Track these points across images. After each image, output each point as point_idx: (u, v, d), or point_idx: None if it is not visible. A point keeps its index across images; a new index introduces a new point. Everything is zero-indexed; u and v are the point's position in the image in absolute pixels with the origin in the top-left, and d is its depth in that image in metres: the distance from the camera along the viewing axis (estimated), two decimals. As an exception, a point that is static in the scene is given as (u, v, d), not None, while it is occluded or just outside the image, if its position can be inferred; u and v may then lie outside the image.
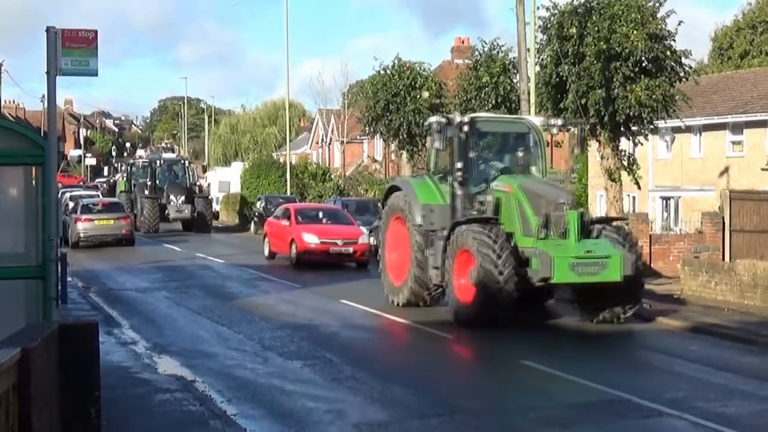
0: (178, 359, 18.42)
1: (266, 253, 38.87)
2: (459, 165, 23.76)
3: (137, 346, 19.91)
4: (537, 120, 26.87)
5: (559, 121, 26.65)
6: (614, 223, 24.04)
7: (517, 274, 20.95)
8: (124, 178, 70.85)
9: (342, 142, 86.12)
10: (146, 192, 57.70)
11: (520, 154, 25.26)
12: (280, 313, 24.52)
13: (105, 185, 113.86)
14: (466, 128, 24.08)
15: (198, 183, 62.84)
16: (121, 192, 66.37)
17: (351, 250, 35.53)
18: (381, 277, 25.84)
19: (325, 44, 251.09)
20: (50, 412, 8.74)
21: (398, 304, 24.56)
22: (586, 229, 22.28)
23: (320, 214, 39.50)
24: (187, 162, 64.32)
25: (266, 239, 39.45)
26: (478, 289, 21.01)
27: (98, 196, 62.20)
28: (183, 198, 56.82)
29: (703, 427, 13.45)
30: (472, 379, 17.07)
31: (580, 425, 13.55)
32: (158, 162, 61.14)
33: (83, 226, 43.77)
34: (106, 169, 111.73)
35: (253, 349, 19.40)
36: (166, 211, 56.58)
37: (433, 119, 24.77)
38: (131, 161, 77.59)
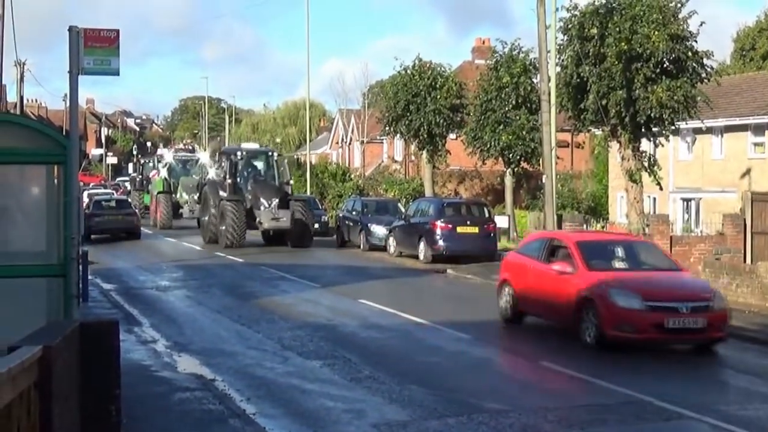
0: (198, 358, 18.46)
1: (506, 311, 22.78)
2: None
3: (157, 344, 19.95)
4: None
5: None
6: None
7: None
8: (161, 176, 62.40)
9: (362, 142, 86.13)
10: (222, 192, 44.75)
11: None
12: (300, 312, 24.54)
13: (127, 184, 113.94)
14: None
15: (290, 181, 48.41)
16: (159, 193, 59.23)
17: (700, 322, 18.98)
18: None
19: (348, 44, 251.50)
20: (71, 409, 8.77)
21: None
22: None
23: (618, 251, 21.92)
24: (275, 155, 49.29)
25: (506, 288, 22.80)
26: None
27: (113, 194, 66.15)
28: (277, 201, 43.94)
29: (724, 430, 13.40)
30: (490, 380, 17.05)
31: (599, 427, 13.51)
32: (238, 154, 46.39)
33: (96, 221, 48.30)
34: (130, 166, 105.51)
35: (273, 349, 19.42)
36: (258, 219, 43.96)
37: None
38: (171, 154, 71.43)
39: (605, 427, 13.43)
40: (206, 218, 45.72)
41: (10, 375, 6.43)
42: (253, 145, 55.70)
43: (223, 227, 42.88)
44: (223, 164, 46.44)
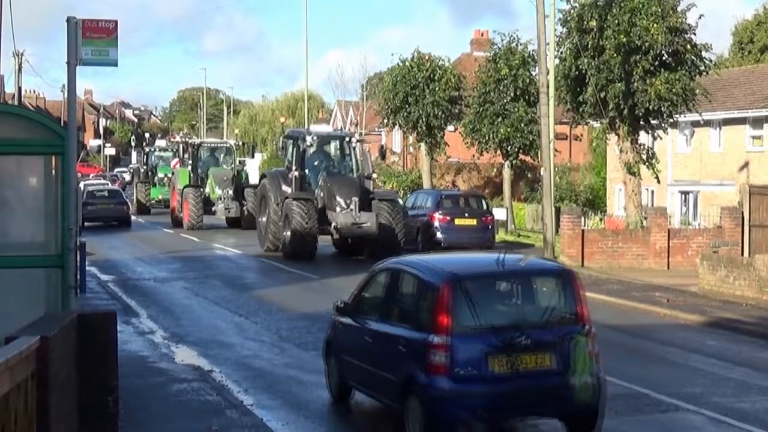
0: (196, 349, 18.49)
1: None
2: None
3: (155, 335, 19.98)
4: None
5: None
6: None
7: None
8: (187, 166, 53.32)
9: (360, 134, 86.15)
10: (286, 187, 35.58)
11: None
12: (297, 304, 24.54)
13: (125, 176, 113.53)
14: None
15: (372, 175, 37.55)
16: (186, 187, 49.21)
17: None
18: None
19: (349, 35, 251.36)
20: (68, 400, 8.78)
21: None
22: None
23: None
24: (353, 140, 37.81)
25: None
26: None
27: (107, 184, 68.05)
28: (357, 200, 33.97)
29: (720, 422, 13.44)
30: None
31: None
32: (307, 140, 35.95)
33: (89, 209, 49.42)
34: (133, 155, 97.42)
35: (270, 340, 19.44)
36: (333, 224, 34.16)
37: None
38: (194, 142, 58.14)
39: (604, 419, 13.44)
40: (264, 220, 37.23)
41: (7, 365, 6.44)
42: (326, 128, 45.18)
43: (288, 233, 34.09)
44: (287, 152, 37.32)
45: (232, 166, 53.16)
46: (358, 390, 14.29)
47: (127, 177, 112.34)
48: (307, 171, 36.04)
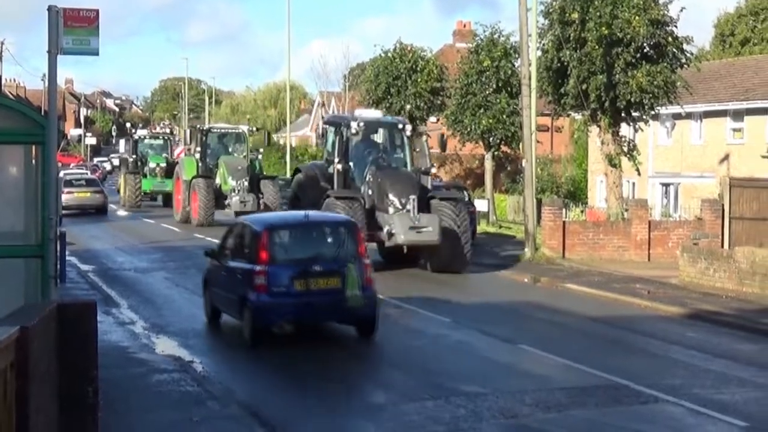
0: (176, 339, 18.45)
1: None
2: None
3: (135, 326, 19.94)
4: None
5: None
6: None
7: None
8: (193, 154, 48.78)
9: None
10: (324, 183, 29.95)
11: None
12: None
13: (107, 165, 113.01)
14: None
15: (431, 170, 31.91)
16: (195, 178, 44.74)
17: None
18: None
19: (333, 25, 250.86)
20: (48, 390, 8.76)
21: None
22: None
23: None
24: (407, 129, 30.91)
25: None
26: None
27: (87, 173, 66.15)
28: (415, 200, 27.72)
29: (699, 414, 13.47)
30: (468, 363, 17.08)
31: (576, 409, 13.56)
32: (352, 127, 29.73)
33: (65, 198, 48.60)
34: (121, 143, 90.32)
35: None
36: (387, 228, 27.78)
37: None
38: (202, 127, 52.66)
39: (583, 410, 13.49)
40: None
41: (-14, 355, 6.41)
42: (374, 113, 35.54)
43: None
44: (328, 141, 31.62)
45: (244, 154, 47.83)
46: (222, 311, 19.56)
47: (108, 167, 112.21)
48: (351, 164, 29.97)
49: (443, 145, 33.67)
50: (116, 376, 14.50)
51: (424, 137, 32.37)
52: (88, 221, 47.53)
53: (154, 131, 70.11)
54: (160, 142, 63.88)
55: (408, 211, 27.55)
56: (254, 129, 55.56)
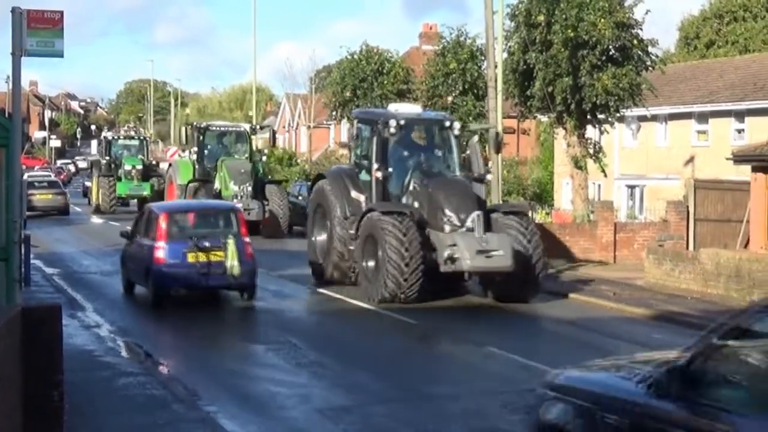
0: (142, 342, 18.36)
1: None
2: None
3: (101, 329, 19.83)
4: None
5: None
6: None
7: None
8: (190, 155, 44.95)
9: (309, 127, 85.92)
10: (358, 194, 25.37)
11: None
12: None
13: (71, 167, 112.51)
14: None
15: (486, 177, 26.25)
16: (191, 182, 41.19)
17: None
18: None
19: (300, 27, 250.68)
20: (12, 394, 8.70)
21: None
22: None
23: None
24: (455, 127, 25.80)
25: None
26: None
27: (50, 176, 66.12)
28: (478, 216, 22.90)
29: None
30: (436, 365, 17.09)
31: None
32: (392, 125, 24.65)
33: (28, 199, 48.40)
34: (93, 144, 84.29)
35: (213, 335, 19.34)
36: (447, 253, 22.46)
37: None
38: (199, 125, 45.82)
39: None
40: (321, 239, 26.45)
41: (-50, 359, 6.36)
42: (412, 108, 28.79)
43: (372, 263, 23.06)
44: (361, 142, 26.36)
45: (246, 155, 43.20)
46: (134, 282, 23.75)
47: (73, 169, 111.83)
48: (390, 169, 24.96)
49: (498, 147, 29.62)
50: (82, 380, 14.41)
51: (476, 137, 27.25)
52: (53, 224, 47.24)
53: (127, 132, 66.63)
54: (136, 143, 60.50)
55: (470, 229, 22.71)
56: (258, 127, 50.30)
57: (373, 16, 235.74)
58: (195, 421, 12.70)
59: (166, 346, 18.16)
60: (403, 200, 24.63)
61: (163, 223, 22.08)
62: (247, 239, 22.47)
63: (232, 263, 21.44)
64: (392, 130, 24.50)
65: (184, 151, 46.81)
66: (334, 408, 13.65)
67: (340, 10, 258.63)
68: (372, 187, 24.80)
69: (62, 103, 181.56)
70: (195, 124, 46.56)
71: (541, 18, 34.81)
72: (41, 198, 53.22)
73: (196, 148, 43.34)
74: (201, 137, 43.22)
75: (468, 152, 25.51)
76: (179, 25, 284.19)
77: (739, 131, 44.54)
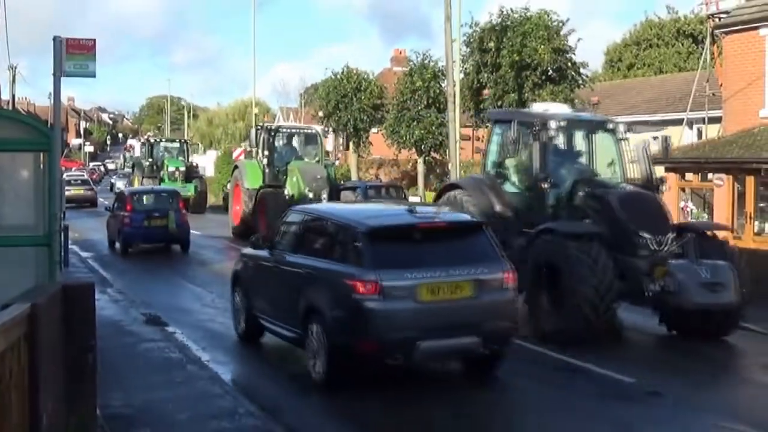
0: (161, 314, 18.36)
1: None
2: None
3: (126, 303, 19.82)
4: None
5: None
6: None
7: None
8: (258, 155, 35.24)
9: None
10: (500, 207, 18.02)
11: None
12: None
13: (102, 168, 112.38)
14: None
15: (661, 186, 18.06)
16: (262, 189, 33.01)
17: None
18: None
19: (295, 50, 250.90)
20: (55, 358, 8.72)
21: None
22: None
23: None
24: (621, 129, 19.41)
25: None
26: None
27: (83, 174, 69.52)
28: (673, 238, 16.06)
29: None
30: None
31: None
32: (550, 127, 17.69)
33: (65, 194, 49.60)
34: (136, 146, 76.14)
35: (224, 306, 19.30)
36: (659, 284, 15.16)
37: None
38: (270, 126, 37.07)
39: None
40: None
41: (3, 328, 6.40)
42: (561, 107, 20.52)
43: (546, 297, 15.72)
44: (518, 146, 18.35)
45: (317, 159, 34.85)
46: (112, 240, 30.61)
47: (103, 169, 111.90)
48: (549, 180, 17.61)
49: (666, 152, 21.04)
50: (111, 345, 14.41)
51: (646, 142, 19.35)
52: (87, 216, 47.07)
53: (168, 137, 65.96)
54: (177, 145, 55.11)
55: (677, 255, 15.76)
56: (329, 129, 43.93)
57: (354, 41, 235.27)
58: (205, 378, 12.72)
59: (181, 318, 18.13)
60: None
61: (129, 201, 29.66)
62: (184, 211, 30.25)
63: (172, 226, 28.85)
64: (552, 132, 17.71)
65: (250, 152, 37.65)
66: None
67: (327, 36, 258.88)
68: (547, 204, 17.44)
69: (94, 115, 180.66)
70: (265, 125, 38.46)
71: (492, 44, 34.99)
72: (75, 192, 56.98)
73: (267, 152, 34.28)
74: (271, 139, 34.61)
75: (635, 157, 18.42)
76: (193, 49, 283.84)
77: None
